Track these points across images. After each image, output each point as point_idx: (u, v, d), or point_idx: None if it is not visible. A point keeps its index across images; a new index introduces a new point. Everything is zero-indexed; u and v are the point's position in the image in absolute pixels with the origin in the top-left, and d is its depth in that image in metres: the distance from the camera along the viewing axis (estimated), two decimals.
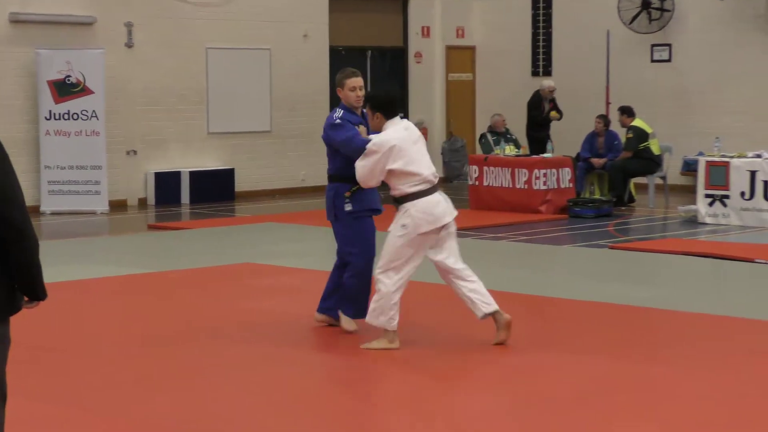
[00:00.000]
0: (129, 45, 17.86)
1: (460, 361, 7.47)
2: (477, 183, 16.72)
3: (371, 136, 7.89)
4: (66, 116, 16.91)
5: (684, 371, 7.15)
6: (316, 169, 18.81)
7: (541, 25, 21.12)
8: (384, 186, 7.87)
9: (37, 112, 16.90)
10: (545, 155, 16.65)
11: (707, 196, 15.04)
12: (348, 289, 8.23)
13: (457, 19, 21.91)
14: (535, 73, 21.20)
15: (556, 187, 16.23)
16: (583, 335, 8.26)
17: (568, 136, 19.17)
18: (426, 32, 21.64)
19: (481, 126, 20.86)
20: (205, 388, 6.83)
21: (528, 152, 17.40)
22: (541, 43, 21.15)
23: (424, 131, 21.40)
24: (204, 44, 18.60)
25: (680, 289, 10.36)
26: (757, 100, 18.72)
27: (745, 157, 15.01)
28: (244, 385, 6.91)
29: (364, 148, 7.75)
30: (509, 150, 17.10)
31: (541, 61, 21.14)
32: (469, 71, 22.20)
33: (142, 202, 17.98)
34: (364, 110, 8.11)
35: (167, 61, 18.18)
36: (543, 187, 16.13)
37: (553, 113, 18.43)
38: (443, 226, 7.79)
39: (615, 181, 17.02)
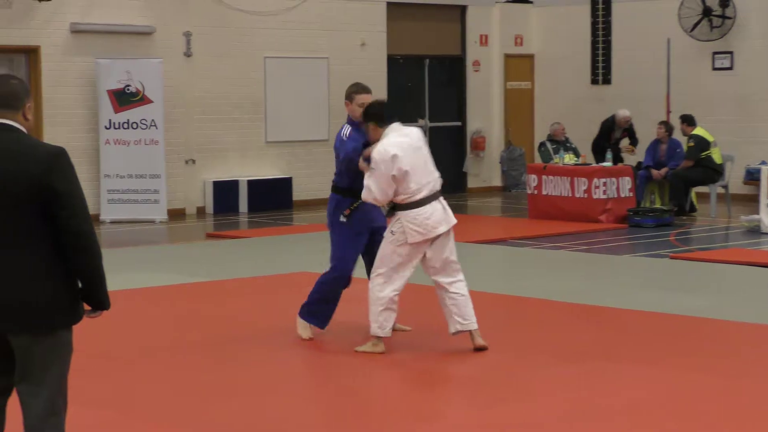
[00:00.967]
0: (188, 54, 18.03)
1: (511, 369, 7.47)
2: (536, 192, 16.68)
3: (370, 148, 7.81)
4: (125, 125, 17.10)
5: (743, 382, 7.10)
6: None
7: (600, 32, 21.03)
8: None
9: (97, 122, 17.10)
10: (605, 164, 16.59)
11: None
12: (311, 293, 8.31)
13: (515, 27, 21.88)
14: (594, 82, 21.11)
15: (616, 196, 16.15)
16: (642, 345, 8.22)
17: None
18: (484, 40, 21.63)
19: (540, 135, 20.81)
20: (266, 398, 6.88)
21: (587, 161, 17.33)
22: (600, 51, 21.06)
23: (482, 139, 21.47)
24: (262, 53, 18.73)
25: (741, 299, 10.28)
26: None
27: None
28: (307, 394, 6.94)
29: (352, 154, 7.84)
30: (568, 159, 17.04)
31: (601, 69, 21.05)
32: (528, 79, 22.15)
33: (201, 211, 18.12)
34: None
35: (225, 71, 18.33)
36: (603, 196, 16.06)
37: (629, 147, 18.20)
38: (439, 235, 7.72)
39: (676, 190, 16.89)
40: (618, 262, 12.82)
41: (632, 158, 18.15)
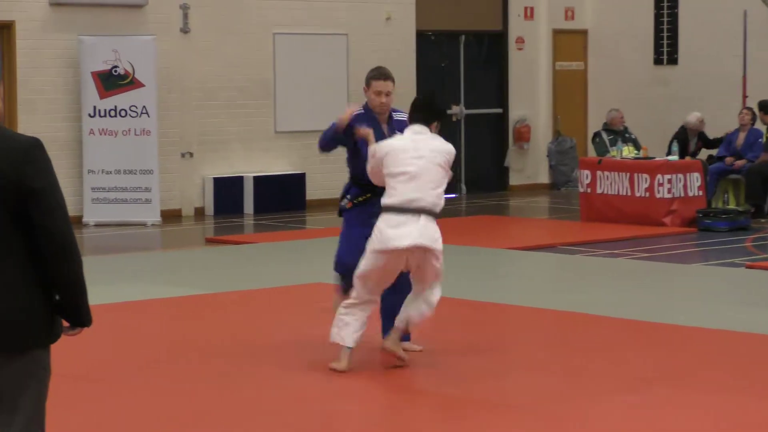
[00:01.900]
0: (185, 31, 18.08)
1: (562, 396, 7.45)
2: (589, 190, 16.65)
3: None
4: (112, 113, 17.15)
5: None
6: None
7: (665, 4, 20.98)
8: None
9: (79, 109, 17.15)
10: (670, 158, 16.53)
11: None
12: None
13: None
14: (658, 62, 21.06)
15: (682, 195, 16.11)
16: (714, 369, 8.20)
17: None
18: (529, 14, 21.61)
19: (594, 123, 20.78)
20: (271, 425, 6.89)
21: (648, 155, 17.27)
22: (665, 26, 21.01)
23: (526, 129, 21.46)
24: (271, 29, 18.76)
25: None
26: None
27: None
28: (315, 420, 6.94)
29: (328, 133, 8.65)
30: (627, 151, 16.99)
31: (665, 47, 21.00)
32: (580, 59, 22.13)
33: (199, 212, 18.17)
34: (402, 122, 8.26)
35: (228, 49, 18.37)
36: (667, 195, 16.02)
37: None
38: (410, 253, 7.79)
39: (752, 188, 16.83)
40: (685, 273, 12.80)
41: (704, 151, 18.06)
